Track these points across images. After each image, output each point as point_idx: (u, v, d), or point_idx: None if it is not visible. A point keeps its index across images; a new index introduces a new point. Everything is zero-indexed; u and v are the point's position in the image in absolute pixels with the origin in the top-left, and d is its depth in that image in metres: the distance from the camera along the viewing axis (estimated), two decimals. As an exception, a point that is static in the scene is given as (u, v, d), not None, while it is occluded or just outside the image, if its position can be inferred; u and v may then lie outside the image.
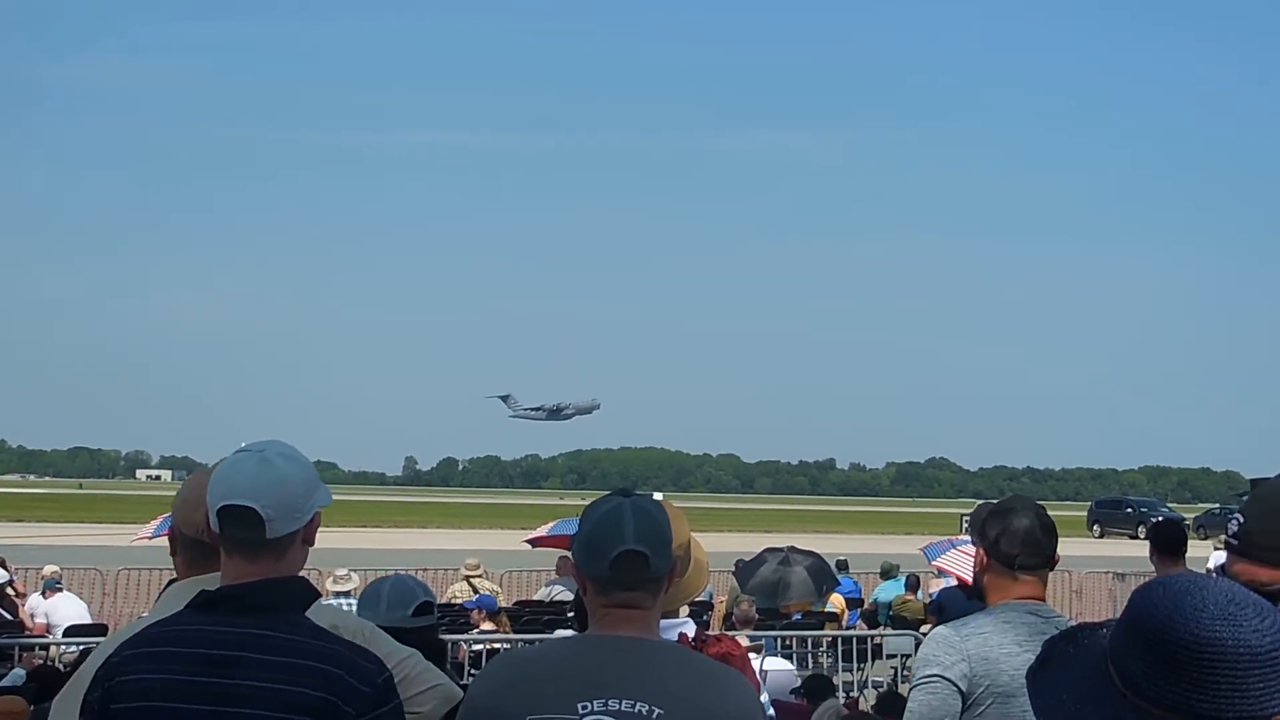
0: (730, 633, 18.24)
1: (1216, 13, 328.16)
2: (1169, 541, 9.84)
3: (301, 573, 3.85)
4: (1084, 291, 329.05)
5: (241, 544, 3.81)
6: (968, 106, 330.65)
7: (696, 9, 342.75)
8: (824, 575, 24.01)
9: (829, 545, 39.02)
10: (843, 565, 29.63)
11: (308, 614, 3.81)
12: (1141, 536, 73.34)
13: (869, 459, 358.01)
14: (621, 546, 3.78)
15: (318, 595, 3.90)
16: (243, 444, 3.92)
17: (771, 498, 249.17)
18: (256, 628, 3.69)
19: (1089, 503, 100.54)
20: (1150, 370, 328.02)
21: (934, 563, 21.56)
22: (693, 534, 5.30)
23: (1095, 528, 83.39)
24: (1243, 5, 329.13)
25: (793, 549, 24.49)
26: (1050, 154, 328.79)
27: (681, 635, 5.03)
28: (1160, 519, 15.20)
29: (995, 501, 5.65)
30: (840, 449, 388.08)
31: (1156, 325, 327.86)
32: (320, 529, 3.91)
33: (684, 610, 6.06)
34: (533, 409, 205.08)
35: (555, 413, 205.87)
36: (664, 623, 4.70)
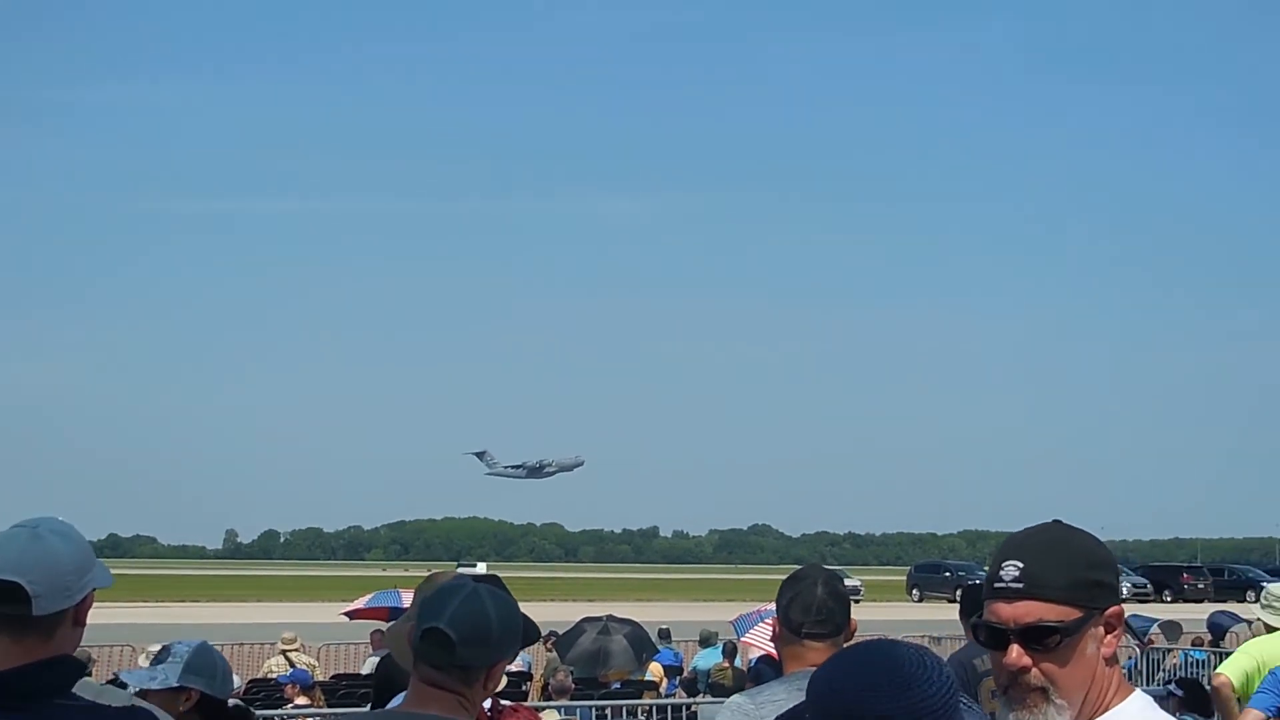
0: (546, 703, 18.20)
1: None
2: (977, 605, 9.95)
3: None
4: (896, 355, 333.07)
5: (7, 622, 3.68)
6: (773, 174, 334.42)
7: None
8: (643, 644, 24.04)
9: (651, 614, 39.12)
10: (665, 634, 29.68)
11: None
12: (958, 600, 74.31)
13: (691, 526, 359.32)
14: (431, 623, 3.79)
15: (84, 672, 3.81)
16: (20, 520, 3.82)
17: (595, 566, 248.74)
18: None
19: (909, 567, 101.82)
20: (966, 433, 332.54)
21: (742, 639, 21.74)
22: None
23: (914, 592, 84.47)
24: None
25: (611, 618, 24.52)
26: (857, 218, 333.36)
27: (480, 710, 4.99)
28: (970, 583, 15.40)
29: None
30: (663, 517, 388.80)
31: (970, 388, 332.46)
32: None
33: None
34: (513, 467, 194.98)
35: (536, 470, 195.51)
36: None
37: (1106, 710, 3.17)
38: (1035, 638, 3.13)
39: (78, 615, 3.79)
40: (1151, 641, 28.48)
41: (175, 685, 5.66)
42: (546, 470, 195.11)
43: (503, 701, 5.43)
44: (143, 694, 5.29)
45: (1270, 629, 10.80)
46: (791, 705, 5.15)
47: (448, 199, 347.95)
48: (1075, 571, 3.17)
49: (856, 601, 78.49)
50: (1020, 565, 3.18)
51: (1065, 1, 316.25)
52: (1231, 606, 36.82)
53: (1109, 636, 3.19)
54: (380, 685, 6.03)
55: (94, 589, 3.83)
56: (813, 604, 5.34)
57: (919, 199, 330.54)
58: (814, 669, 5.22)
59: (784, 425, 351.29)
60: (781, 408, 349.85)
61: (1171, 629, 29.22)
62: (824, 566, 5.79)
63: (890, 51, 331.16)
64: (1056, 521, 3.37)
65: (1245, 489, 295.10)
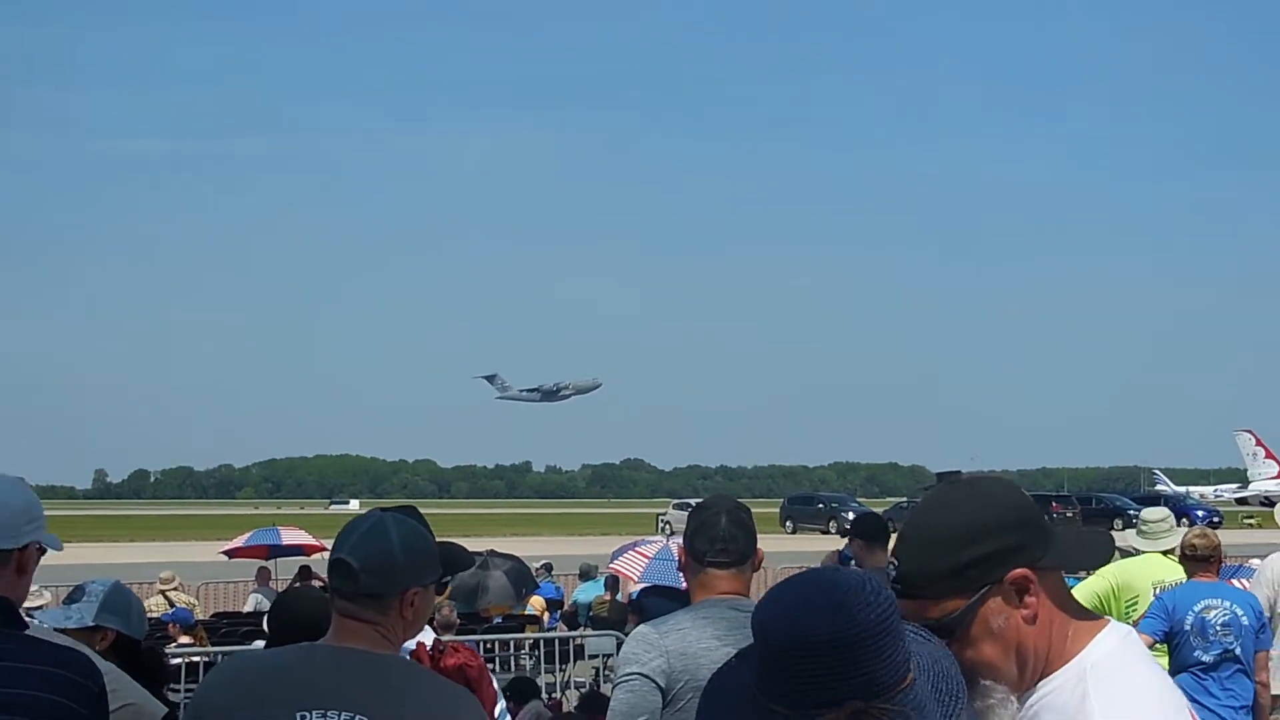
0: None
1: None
2: (869, 530, 10.21)
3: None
4: (761, 294, 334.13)
5: None
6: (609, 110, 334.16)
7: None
8: (523, 578, 24.11)
9: (528, 548, 39.20)
10: (548, 568, 29.77)
11: None
12: (833, 531, 75.14)
13: (565, 461, 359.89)
14: (335, 554, 3.78)
15: (18, 618, 3.85)
16: None
17: (469, 502, 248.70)
18: None
19: (781, 499, 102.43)
20: (835, 369, 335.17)
21: (611, 564, 21.98)
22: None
23: (788, 524, 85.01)
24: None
25: (492, 552, 24.54)
26: (714, 166, 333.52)
27: (419, 645, 4.94)
28: (860, 514, 15.60)
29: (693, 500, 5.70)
30: (536, 452, 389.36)
31: (836, 325, 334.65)
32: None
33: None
34: (527, 390, 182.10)
35: (551, 394, 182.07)
36: None
37: (1058, 668, 2.97)
38: (936, 633, 2.89)
39: (20, 563, 3.84)
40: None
41: (91, 624, 5.63)
42: (563, 393, 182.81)
43: (444, 639, 5.37)
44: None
45: (1138, 553, 11.05)
46: (695, 632, 5.28)
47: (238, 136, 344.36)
48: (949, 559, 2.94)
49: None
50: (895, 564, 3.00)
51: None
52: (1099, 534, 37.40)
53: (1025, 599, 2.94)
54: (280, 621, 6.01)
55: (39, 545, 3.87)
56: (718, 533, 5.41)
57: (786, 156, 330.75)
58: (720, 597, 5.36)
59: (654, 360, 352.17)
60: (649, 343, 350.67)
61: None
62: (726, 496, 5.85)
63: None
64: (949, 483, 3.14)
65: (1109, 420, 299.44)
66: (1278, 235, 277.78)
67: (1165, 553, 10.84)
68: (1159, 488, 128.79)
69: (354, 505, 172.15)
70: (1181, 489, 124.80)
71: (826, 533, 76.33)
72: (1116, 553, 19.33)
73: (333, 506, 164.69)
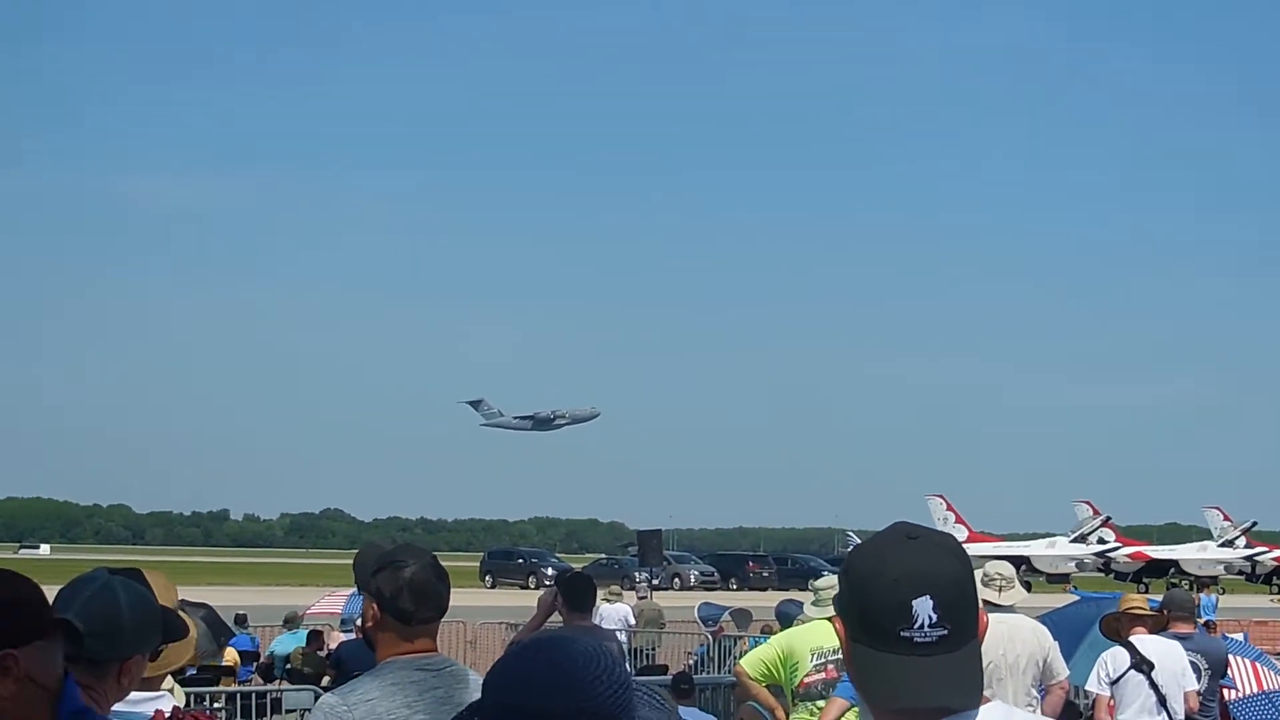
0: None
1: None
2: (576, 593, 10.19)
3: None
4: (458, 344, 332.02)
5: None
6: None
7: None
8: (219, 628, 23.67)
9: (223, 598, 38.47)
10: (241, 620, 29.32)
11: None
12: (532, 586, 75.32)
13: (263, 510, 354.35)
14: (61, 614, 3.62)
15: None
16: None
17: (164, 549, 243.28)
18: None
19: (482, 553, 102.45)
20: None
21: (309, 610, 21.76)
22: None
23: (488, 578, 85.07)
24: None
25: (184, 602, 24.05)
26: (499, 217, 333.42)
27: (158, 714, 4.69)
28: (566, 572, 15.64)
29: (377, 543, 5.49)
30: (234, 500, 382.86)
31: (533, 379, 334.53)
32: None
33: (168, 682, 5.82)
34: (520, 418, 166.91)
35: (546, 422, 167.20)
36: (138, 695, 4.54)
37: None
38: None
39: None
40: (723, 629, 29.35)
41: None
42: (558, 421, 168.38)
43: (183, 709, 5.20)
44: None
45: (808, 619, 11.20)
46: (385, 701, 5.11)
47: None
48: (975, 608, 2.85)
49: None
50: (940, 616, 2.79)
51: None
52: (795, 594, 38.04)
53: None
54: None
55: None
56: (421, 588, 5.22)
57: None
58: (408, 656, 5.21)
59: (354, 409, 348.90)
60: (351, 392, 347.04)
61: (742, 617, 30.14)
62: (420, 548, 5.65)
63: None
64: (917, 532, 2.91)
65: (804, 480, 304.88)
66: (962, 311, 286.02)
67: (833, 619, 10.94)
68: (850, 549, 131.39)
69: (44, 550, 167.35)
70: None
71: (526, 588, 76.43)
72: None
73: (22, 551, 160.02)
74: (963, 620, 2.78)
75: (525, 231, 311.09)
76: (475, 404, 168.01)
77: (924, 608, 2.75)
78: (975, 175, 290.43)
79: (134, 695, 4.17)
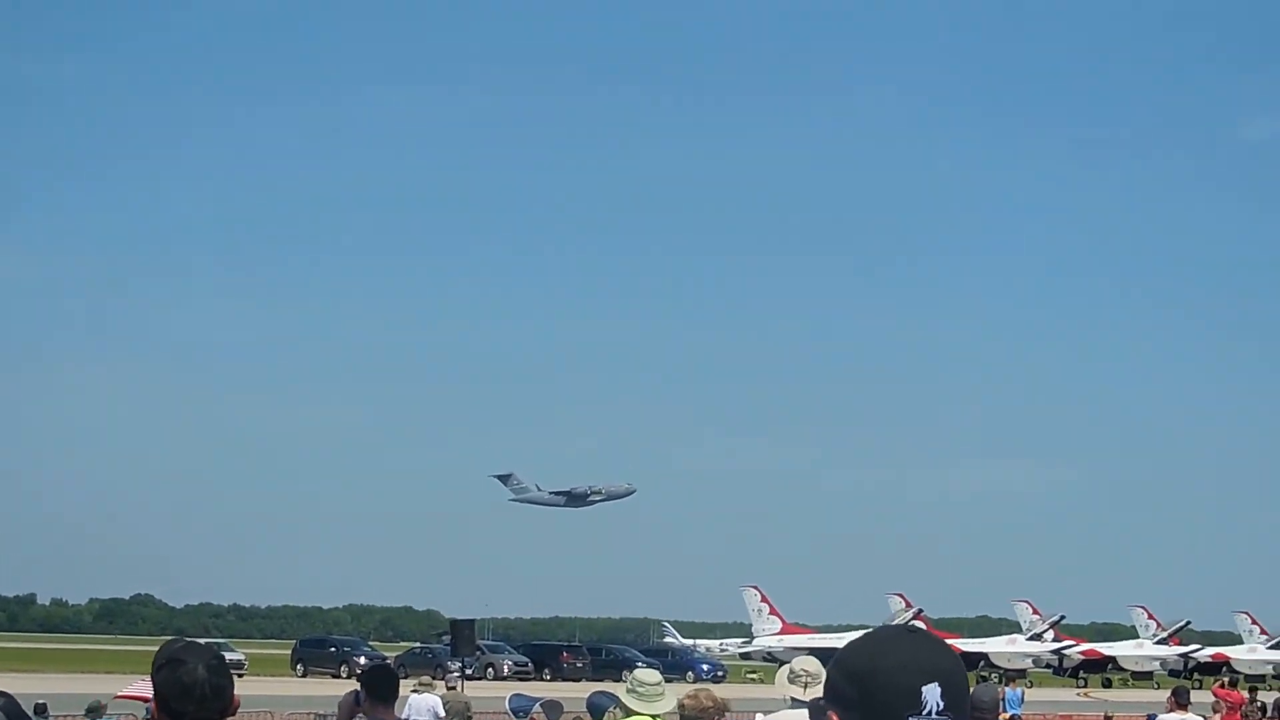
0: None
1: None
2: (378, 684, 10.11)
3: None
4: (255, 423, 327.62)
5: None
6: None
7: None
8: (17, 717, 23.22)
9: (27, 686, 37.66)
10: (41, 709, 28.74)
11: None
12: (344, 675, 74.47)
13: (71, 594, 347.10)
14: None
15: None
16: None
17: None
18: None
19: (294, 641, 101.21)
20: (349, 508, 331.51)
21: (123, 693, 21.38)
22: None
23: (299, 666, 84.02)
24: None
25: (-16, 690, 23.60)
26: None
27: None
28: (374, 664, 15.53)
29: (182, 639, 5.34)
30: (41, 583, 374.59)
31: (350, 461, 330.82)
32: None
33: None
34: (554, 493, 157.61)
35: (580, 498, 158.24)
36: None
37: None
38: None
39: None
40: (534, 720, 29.32)
41: None
42: (591, 498, 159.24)
43: None
44: None
45: (630, 712, 11.14)
46: None
47: None
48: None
49: (240, 675, 77.32)
50: (941, 696, 2.94)
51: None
52: (608, 685, 38.09)
53: None
54: None
55: None
56: (184, 688, 5.05)
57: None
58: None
59: (166, 488, 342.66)
60: (162, 471, 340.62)
61: (553, 708, 30.09)
62: (204, 646, 5.47)
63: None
64: (921, 631, 3.14)
65: (619, 570, 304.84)
66: (778, 396, 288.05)
67: (655, 717, 10.93)
68: (667, 639, 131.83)
69: None
70: (689, 641, 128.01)
71: (338, 676, 75.54)
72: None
73: None
74: (961, 713, 2.93)
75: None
76: (504, 478, 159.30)
77: (933, 694, 2.91)
78: (797, 265, 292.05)
79: None
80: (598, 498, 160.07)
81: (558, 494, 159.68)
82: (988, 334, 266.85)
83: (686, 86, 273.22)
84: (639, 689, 10.83)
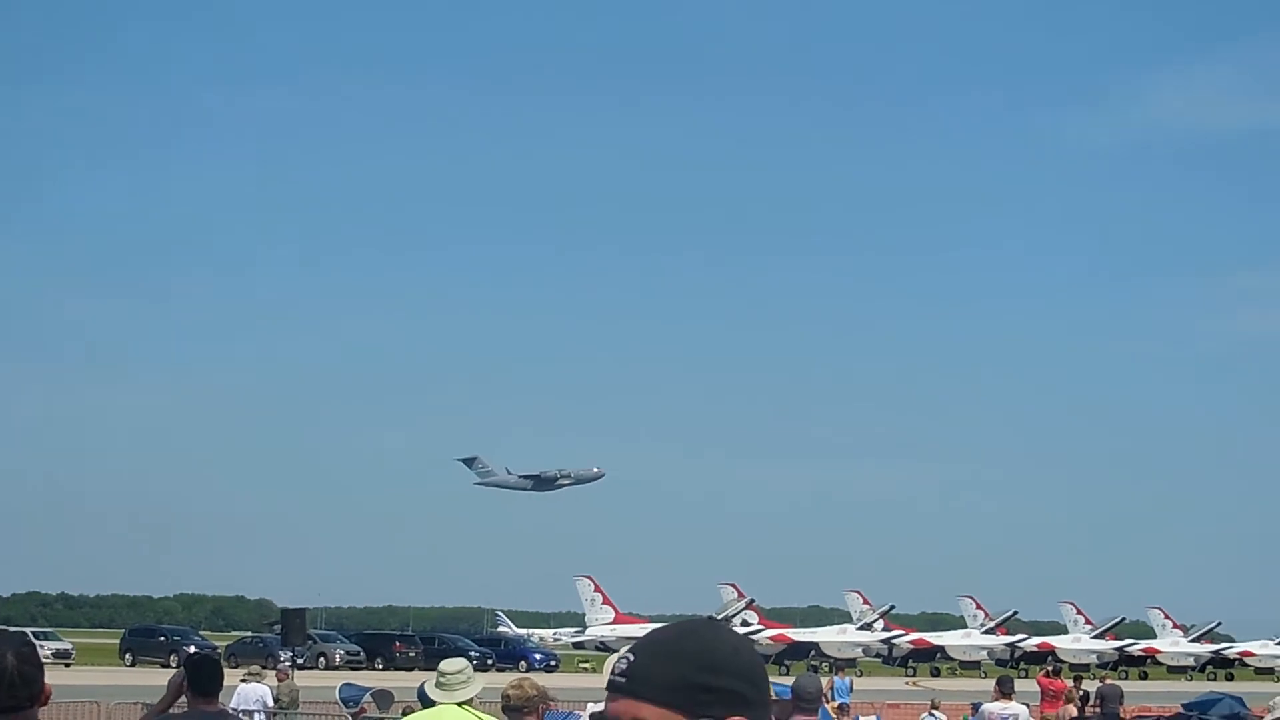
0: None
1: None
2: (199, 676, 9.95)
3: None
4: (103, 413, 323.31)
5: None
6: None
7: None
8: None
9: None
10: None
11: None
12: (174, 665, 73.67)
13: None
14: None
15: None
16: None
17: None
18: None
19: (123, 631, 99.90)
20: (183, 497, 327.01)
21: None
22: None
23: (128, 656, 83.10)
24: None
25: None
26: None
27: None
28: (200, 656, 15.32)
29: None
30: None
31: (190, 450, 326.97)
32: None
33: None
34: (522, 476, 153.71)
35: (548, 483, 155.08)
36: None
37: None
38: None
39: None
40: (364, 710, 29.20)
41: None
42: (560, 482, 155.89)
43: None
44: None
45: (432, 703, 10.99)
46: None
47: None
48: (682, 672, 3.00)
49: (67, 665, 76.16)
50: (630, 659, 3.04)
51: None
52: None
53: None
54: None
55: None
56: (1, 674, 4.82)
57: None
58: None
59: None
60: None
61: (384, 698, 30.05)
62: (11, 633, 5.15)
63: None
64: (711, 619, 3.26)
65: (453, 559, 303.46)
66: (612, 388, 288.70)
67: (462, 704, 10.85)
68: (501, 629, 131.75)
69: None
70: (523, 631, 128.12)
71: (167, 666, 74.70)
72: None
73: None
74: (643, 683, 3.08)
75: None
76: (468, 461, 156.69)
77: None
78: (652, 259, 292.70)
79: None
80: (567, 481, 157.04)
81: (526, 478, 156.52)
82: (818, 329, 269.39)
83: (676, 85, 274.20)
84: (442, 679, 10.75)
